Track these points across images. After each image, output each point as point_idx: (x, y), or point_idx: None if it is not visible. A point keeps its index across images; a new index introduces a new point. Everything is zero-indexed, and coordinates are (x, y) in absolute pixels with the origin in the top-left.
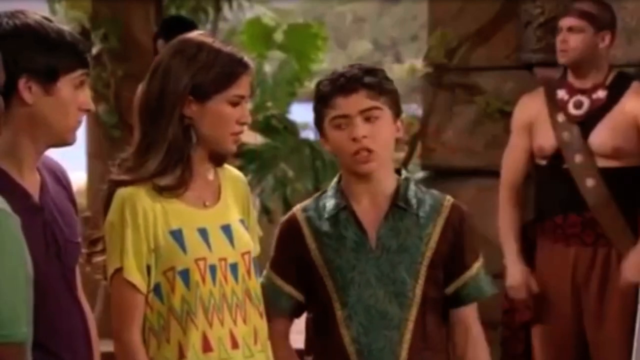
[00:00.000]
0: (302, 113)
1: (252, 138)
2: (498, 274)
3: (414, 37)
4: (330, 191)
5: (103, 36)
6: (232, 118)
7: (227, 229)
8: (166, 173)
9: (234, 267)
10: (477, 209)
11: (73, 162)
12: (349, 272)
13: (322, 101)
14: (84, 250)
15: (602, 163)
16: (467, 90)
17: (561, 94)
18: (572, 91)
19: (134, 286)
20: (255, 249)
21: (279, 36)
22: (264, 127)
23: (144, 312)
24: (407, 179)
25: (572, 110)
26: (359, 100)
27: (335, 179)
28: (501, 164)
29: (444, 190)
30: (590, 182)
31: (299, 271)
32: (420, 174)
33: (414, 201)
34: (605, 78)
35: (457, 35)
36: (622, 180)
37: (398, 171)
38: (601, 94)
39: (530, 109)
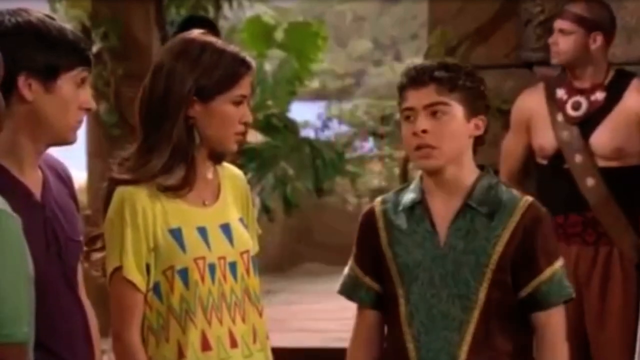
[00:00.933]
0: (302, 112)
1: (253, 137)
2: None
3: (414, 36)
4: (412, 185)
5: (103, 35)
6: (235, 118)
7: (226, 228)
8: (171, 173)
9: (233, 266)
10: None
11: (73, 160)
12: (415, 268)
13: (399, 92)
14: (83, 248)
15: (602, 163)
16: None
17: (560, 93)
18: (571, 91)
19: (133, 285)
20: (254, 247)
21: (279, 35)
22: (264, 125)
23: (143, 311)
24: (487, 177)
25: (570, 111)
26: (426, 94)
27: (419, 174)
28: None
29: None
30: (590, 182)
31: (375, 262)
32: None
33: (487, 201)
34: (604, 78)
35: (457, 34)
36: (622, 180)
37: (482, 167)
38: (599, 95)
39: (529, 105)
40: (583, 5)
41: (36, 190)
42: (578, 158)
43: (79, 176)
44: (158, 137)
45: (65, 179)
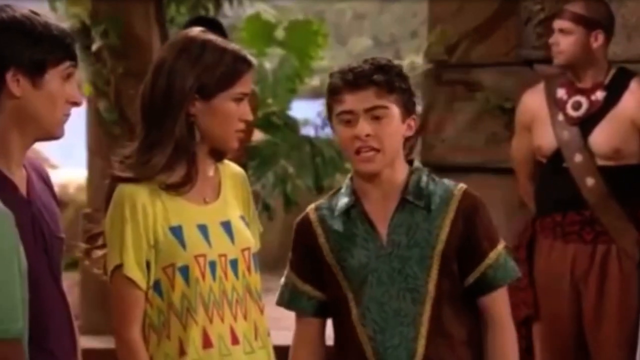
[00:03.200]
0: (302, 110)
1: (253, 135)
2: None
3: (413, 33)
4: (343, 189)
5: (103, 33)
6: (236, 115)
7: (227, 225)
8: (172, 171)
9: (234, 263)
10: None
11: (74, 158)
12: (361, 270)
13: (331, 94)
14: (83, 245)
15: (601, 162)
16: (467, 86)
17: (561, 93)
18: (572, 91)
19: (133, 282)
20: (255, 244)
21: (279, 33)
22: (264, 123)
23: (144, 309)
24: (417, 171)
25: (570, 111)
26: (366, 98)
27: (348, 176)
28: (501, 159)
29: None
30: (590, 182)
31: (316, 270)
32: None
33: (423, 194)
34: (605, 77)
35: (457, 32)
36: (621, 179)
37: (411, 162)
38: (599, 95)
39: (530, 105)
40: (582, 4)
41: (22, 187)
42: (577, 157)
43: (79, 174)
44: (159, 135)
45: (44, 178)
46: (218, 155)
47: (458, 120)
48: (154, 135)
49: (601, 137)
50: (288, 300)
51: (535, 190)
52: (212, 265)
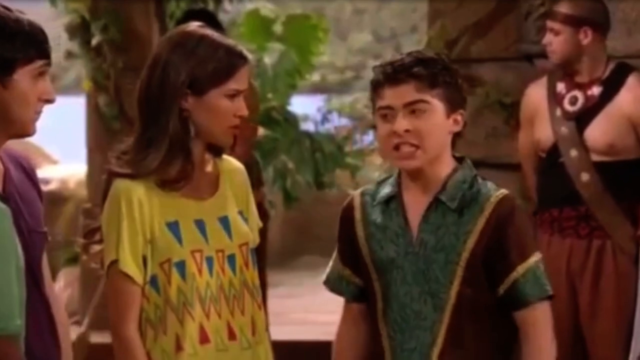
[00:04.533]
0: (302, 105)
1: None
2: None
3: (413, 28)
4: (391, 178)
5: (103, 28)
6: (229, 111)
7: (224, 221)
8: (168, 167)
9: (231, 259)
10: None
11: (73, 153)
12: (389, 265)
13: (373, 89)
14: (81, 240)
15: (596, 158)
16: (467, 81)
17: (560, 87)
18: (570, 86)
19: (129, 277)
20: (254, 240)
21: (278, 28)
22: (264, 119)
23: (140, 304)
24: (462, 169)
25: (567, 106)
26: (406, 92)
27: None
28: (501, 155)
29: None
30: (585, 177)
31: (354, 255)
32: None
33: (457, 195)
34: (602, 72)
35: (456, 27)
36: (616, 174)
37: (461, 159)
38: (596, 90)
39: (533, 100)
40: (568, 4)
41: None
42: (573, 153)
43: (80, 169)
44: (155, 131)
45: (28, 170)
46: (215, 151)
47: None
48: (151, 131)
49: (596, 132)
50: (332, 283)
51: (536, 186)
52: (209, 260)
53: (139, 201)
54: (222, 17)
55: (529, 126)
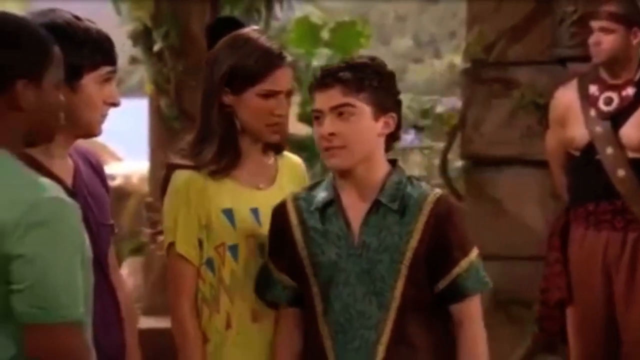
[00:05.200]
0: None
1: (302, 129)
2: (535, 257)
3: (452, 34)
4: (324, 182)
5: (164, 34)
6: (264, 110)
7: None
8: (221, 159)
9: None
10: (513, 196)
11: (137, 151)
12: (331, 268)
13: (309, 93)
14: (148, 231)
15: (631, 154)
16: (503, 84)
17: (593, 89)
18: (603, 87)
19: (185, 258)
20: None
21: (325, 34)
22: (312, 119)
23: (196, 284)
24: (397, 172)
25: (602, 106)
26: (332, 96)
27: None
28: (535, 153)
29: (481, 177)
30: (621, 173)
31: (290, 259)
32: (459, 163)
33: (397, 196)
34: (635, 74)
35: (494, 32)
36: None
37: (394, 162)
38: (630, 90)
39: (563, 101)
40: (619, 4)
41: (67, 178)
42: (609, 150)
43: (142, 166)
44: (208, 127)
45: (96, 167)
46: (273, 147)
47: (495, 116)
48: (205, 128)
49: (631, 130)
50: (265, 290)
51: (569, 182)
52: (261, 246)
53: (196, 190)
54: (273, 24)
55: (558, 127)
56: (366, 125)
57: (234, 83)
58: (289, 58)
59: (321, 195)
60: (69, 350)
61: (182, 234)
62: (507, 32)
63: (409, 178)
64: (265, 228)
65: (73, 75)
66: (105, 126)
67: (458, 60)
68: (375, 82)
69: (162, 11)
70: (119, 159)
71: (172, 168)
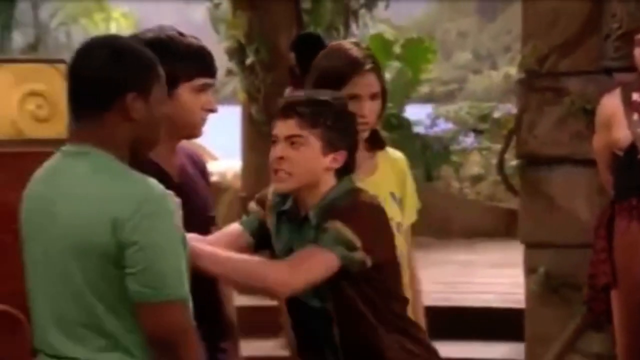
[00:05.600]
0: (415, 112)
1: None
2: (583, 245)
3: (507, 48)
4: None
5: (255, 50)
6: (357, 113)
7: None
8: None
9: None
10: (564, 191)
11: (230, 151)
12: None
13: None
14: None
15: None
16: (555, 92)
17: (635, 96)
18: None
19: None
20: (410, 217)
21: (396, 49)
22: (384, 123)
23: None
24: (331, 192)
25: None
26: (289, 126)
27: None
28: (584, 153)
29: (535, 175)
30: None
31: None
32: (515, 162)
33: (317, 214)
34: None
35: (546, 46)
36: None
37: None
38: None
39: (608, 107)
40: None
41: (174, 174)
42: None
43: (235, 164)
44: None
45: (199, 165)
46: (371, 143)
47: (547, 121)
48: None
49: None
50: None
51: (614, 179)
52: None
53: None
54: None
55: (604, 130)
56: (313, 157)
57: (325, 87)
58: (369, 65)
59: (289, 203)
60: (174, 325)
61: None
62: (559, 46)
63: (350, 192)
64: None
65: (170, 85)
66: (204, 129)
67: (512, 71)
68: (329, 121)
69: (254, 30)
70: (215, 158)
71: None
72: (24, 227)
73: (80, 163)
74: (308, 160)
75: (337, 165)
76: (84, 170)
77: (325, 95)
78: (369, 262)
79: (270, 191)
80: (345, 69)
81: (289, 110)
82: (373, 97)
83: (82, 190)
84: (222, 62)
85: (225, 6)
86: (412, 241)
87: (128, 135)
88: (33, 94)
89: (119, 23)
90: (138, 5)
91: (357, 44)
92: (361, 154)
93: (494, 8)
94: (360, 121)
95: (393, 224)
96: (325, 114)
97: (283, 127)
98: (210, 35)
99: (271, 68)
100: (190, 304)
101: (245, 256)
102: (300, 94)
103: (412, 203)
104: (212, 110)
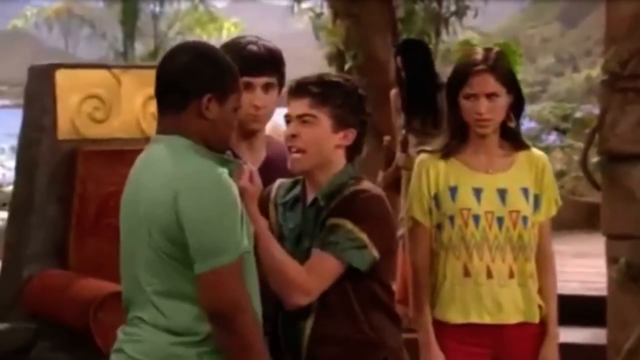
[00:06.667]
0: None
1: None
2: None
3: (588, 52)
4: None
5: (353, 56)
6: (470, 111)
7: (502, 192)
8: (447, 145)
9: (500, 220)
10: None
11: None
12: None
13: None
14: None
15: None
16: (636, 93)
17: None
18: None
19: (416, 221)
20: (549, 212)
21: None
22: None
23: (429, 242)
24: (339, 175)
25: None
26: (300, 105)
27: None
28: None
29: (616, 171)
30: None
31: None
32: (596, 159)
33: (329, 194)
34: None
35: (627, 50)
36: None
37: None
38: None
39: None
40: None
41: (256, 165)
42: None
43: None
44: (447, 121)
45: (283, 158)
46: (509, 141)
47: (628, 120)
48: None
49: None
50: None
51: None
52: (476, 218)
53: (428, 168)
54: (441, 46)
55: None
56: (324, 135)
57: (451, 87)
58: (481, 67)
59: (294, 192)
60: (224, 295)
61: (415, 202)
62: (639, 50)
63: (355, 179)
64: (482, 204)
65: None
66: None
67: (593, 73)
68: (339, 100)
69: (351, 37)
70: None
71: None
72: (120, 212)
73: (159, 148)
74: (319, 137)
75: (347, 142)
76: (161, 153)
77: (335, 76)
78: (377, 257)
79: (275, 186)
80: (462, 70)
81: (301, 91)
82: (489, 96)
83: (156, 170)
84: (322, 67)
85: (326, 15)
86: (550, 234)
87: (201, 130)
88: (154, 97)
89: (230, 32)
90: (246, 15)
91: (487, 48)
92: (494, 151)
93: (574, 15)
94: (476, 118)
95: (519, 217)
96: (335, 93)
97: (295, 107)
98: (311, 42)
99: (367, 72)
100: (250, 253)
101: (289, 258)
102: (312, 75)
103: (550, 199)
104: (255, 106)
